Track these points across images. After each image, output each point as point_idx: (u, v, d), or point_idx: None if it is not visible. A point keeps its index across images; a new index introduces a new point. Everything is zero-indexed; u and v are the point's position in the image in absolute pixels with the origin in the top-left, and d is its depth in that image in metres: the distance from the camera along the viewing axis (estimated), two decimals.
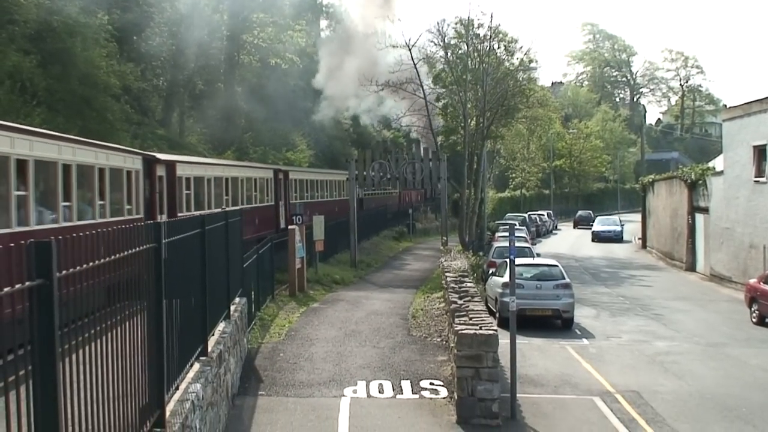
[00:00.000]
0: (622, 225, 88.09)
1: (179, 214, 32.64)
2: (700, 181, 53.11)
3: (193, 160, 40.97)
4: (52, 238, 6.42)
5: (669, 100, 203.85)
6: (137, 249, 9.46)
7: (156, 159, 33.36)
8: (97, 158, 26.16)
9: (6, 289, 5.58)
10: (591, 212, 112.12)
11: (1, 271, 5.66)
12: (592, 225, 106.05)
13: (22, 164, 20.23)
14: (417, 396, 20.06)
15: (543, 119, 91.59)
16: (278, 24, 70.48)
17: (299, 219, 39.84)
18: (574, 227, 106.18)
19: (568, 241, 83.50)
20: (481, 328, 18.59)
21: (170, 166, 34.62)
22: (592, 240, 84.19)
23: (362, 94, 77.48)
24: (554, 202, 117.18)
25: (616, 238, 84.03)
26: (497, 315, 31.01)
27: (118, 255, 8.46)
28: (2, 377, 5.64)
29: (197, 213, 31.20)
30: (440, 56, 59.29)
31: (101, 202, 26.17)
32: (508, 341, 19.71)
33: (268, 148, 67.88)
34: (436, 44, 59.10)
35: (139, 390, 9.61)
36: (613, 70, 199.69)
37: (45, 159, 21.78)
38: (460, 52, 58.86)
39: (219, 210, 31.77)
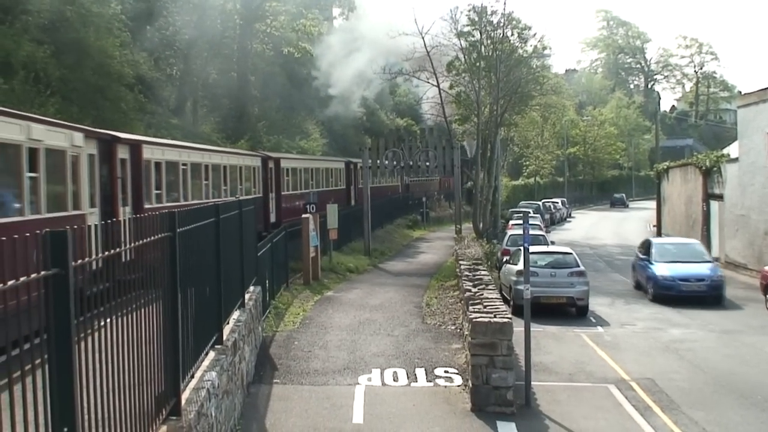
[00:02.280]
0: (714, 261, 40.65)
1: (282, 193, 49.47)
2: (715, 168, 52.89)
3: (292, 157, 56.54)
4: (75, 226, 6.45)
5: (683, 86, 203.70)
6: (152, 238, 9.49)
7: (269, 156, 48.99)
8: (239, 161, 42.92)
9: (22, 279, 5.60)
10: (624, 195, 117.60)
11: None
12: (626, 206, 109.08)
13: (206, 167, 36.97)
14: (431, 384, 20.11)
15: (557, 106, 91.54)
16: (291, 12, 70.43)
17: (312, 208, 39.96)
18: (611, 207, 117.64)
19: (582, 229, 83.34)
20: (495, 316, 18.60)
21: (276, 161, 49.82)
22: (654, 299, 36.80)
23: (375, 82, 77.54)
24: (568, 190, 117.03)
25: (713, 293, 36.38)
26: (511, 303, 30.99)
27: (133, 244, 8.49)
28: (19, 366, 5.67)
29: (294, 192, 52.00)
30: (453, 44, 59.14)
31: (241, 186, 42.13)
32: (523, 329, 19.70)
33: (281, 137, 67.87)
34: (449, 31, 59.03)
35: (154, 378, 9.64)
36: (627, 57, 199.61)
37: (215, 163, 38.49)
38: (472, 39, 58.73)
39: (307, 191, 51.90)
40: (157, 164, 30.69)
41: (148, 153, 29.67)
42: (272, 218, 47.50)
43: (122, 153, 27.53)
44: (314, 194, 50.16)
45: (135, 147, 28.71)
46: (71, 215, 21.71)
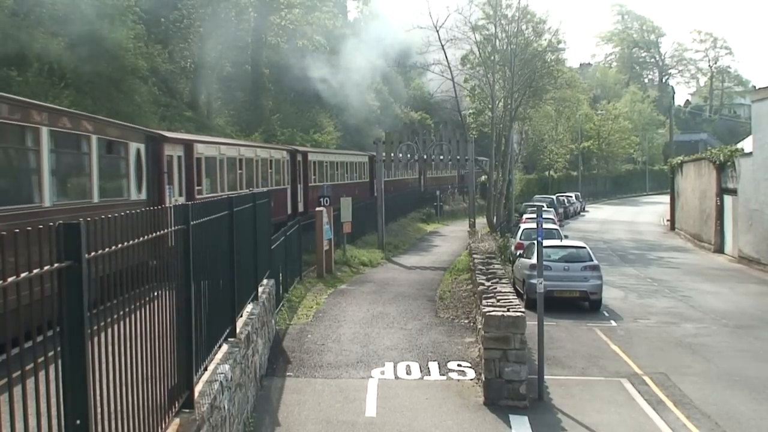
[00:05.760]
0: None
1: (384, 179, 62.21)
2: (729, 163, 52.74)
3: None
4: (88, 218, 6.46)
5: (698, 81, 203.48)
6: (166, 231, 9.49)
7: (373, 155, 60.39)
8: (353, 158, 64.51)
9: (36, 271, 5.61)
10: None
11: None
12: None
13: (339, 163, 60.08)
14: (444, 377, 20.14)
15: (571, 100, 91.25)
16: (305, 5, 70.40)
17: (326, 201, 39.98)
18: None
19: (596, 223, 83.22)
20: (508, 310, 18.62)
21: (372, 157, 64.42)
22: None
23: (389, 74, 77.34)
24: (582, 184, 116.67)
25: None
26: (525, 297, 30.89)
27: (146, 236, 8.50)
28: (32, 358, 5.68)
29: (390, 179, 68.46)
30: (468, 37, 59.14)
31: (355, 174, 63.73)
32: (536, 323, 19.69)
33: (295, 130, 67.88)
34: (464, 24, 59.01)
35: (168, 371, 9.65)
36: (642, 51, 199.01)
37: (342, 161, 60.95)
38: (487, 33, 58.72)
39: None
40: (314, 162, 53.52)
41: (310, 156, 52.77)
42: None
43: (299, 157, 50.17)
44: (395, 182, 69.17)
45: (304, 154, 51.93)
46: (282, 188, 45.61)
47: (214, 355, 13.22)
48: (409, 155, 53.87)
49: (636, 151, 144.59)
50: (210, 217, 12.62)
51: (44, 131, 18.25)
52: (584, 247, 34.08)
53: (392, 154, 53.14)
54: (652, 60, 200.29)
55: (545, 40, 61.72)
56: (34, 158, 18.12)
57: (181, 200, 29.35)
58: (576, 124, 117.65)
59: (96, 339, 6.81)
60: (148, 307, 8.83)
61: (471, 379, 19.85)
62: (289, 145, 53.16)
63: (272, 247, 25.68)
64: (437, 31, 58.10)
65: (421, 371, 20.61)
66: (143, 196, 26.17)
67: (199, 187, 32.78)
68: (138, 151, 26.07)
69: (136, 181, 25.73)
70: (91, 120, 22.63)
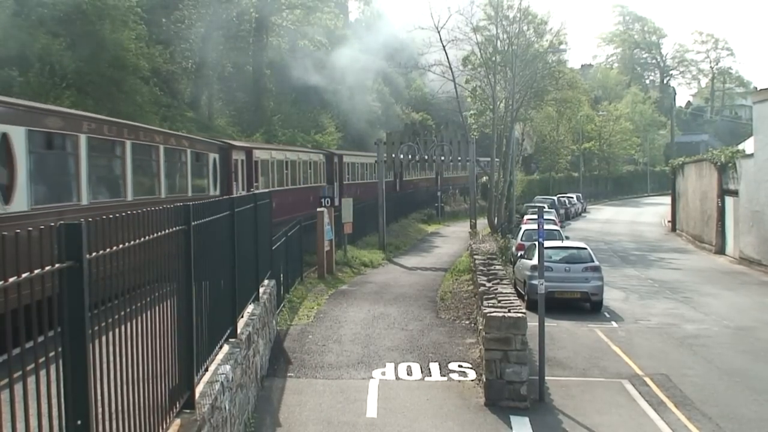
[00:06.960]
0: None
1: (404, 178, 78.59)
2: (730, 164, 52.69)
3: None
4: (88, 219, 6.45)
5: (699, 82, 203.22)
6: (167, 231, 9.48)
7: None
8: (365, 159, 67.38)
9: (36, 271, 5.60)
10: None
11: None
12: None
13: (361, 164, 67.41)
14: (445, 378, 20.13)
15: (572, 101, 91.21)
16: (307, 6, 70.38)
17: (327, 201, 39.98)
18: None
19: (597, 224, 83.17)
20: (509, 311, 18.61)
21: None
22: None
23: (390, 75, 77.23)
24: (583, 185, 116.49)
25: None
26: (526, 297, 30.91)
27: (147, 237, 8.49)
28: (33, 358, 5.67)
29: (411, 179, 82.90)
30: (469, 38, 59.10)
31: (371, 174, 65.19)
32: (537, 324, 19.69)
33: (296, 131, 67.84)
34: (465, 25, 58.98)
35: (168, 371, 9.64)
36: (643, 52, 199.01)
37: (361, 162, 67.60)
38: (488, 34, 58.69)
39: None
40: (347, 164, 61.67)
41: (345, 159, 61.01)
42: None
43: (335, 159, 57.92)
44: (413, 181, 78.11)
45: (340, 156, 59.73)
46: (317, 185, 52.44)
47: (215, 355, 13.22)
48: (410, 156, 53.79)
49: (637, 152, 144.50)
50: (211, 217, 12.61)
51: (161, 148, 27.09)
52: (585, 248, 34.05)
53: (393, 155, 53.06)
54: (654, 61, 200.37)
55: (546, 41, 61.79)
56: (155, 166, 26.79)
57: (243, 193, 35.27)
58: (577, 125, 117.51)
59: (97, 339, 6.80)
60: (149, 307, 8.83)
61: (472, 380, 19.84)
62: (327, 149, 62.21)
63: (273, 248, 25.66)
64: (438, 32, 58.09)
65: (422, 372, 20.62)
66: (217, 192, 34.64)
67: (256, 184, 40.61)
68: (214, 159, 35.19)
69: (213, 180, 34.68)
70: (186, 138, 31.73)
